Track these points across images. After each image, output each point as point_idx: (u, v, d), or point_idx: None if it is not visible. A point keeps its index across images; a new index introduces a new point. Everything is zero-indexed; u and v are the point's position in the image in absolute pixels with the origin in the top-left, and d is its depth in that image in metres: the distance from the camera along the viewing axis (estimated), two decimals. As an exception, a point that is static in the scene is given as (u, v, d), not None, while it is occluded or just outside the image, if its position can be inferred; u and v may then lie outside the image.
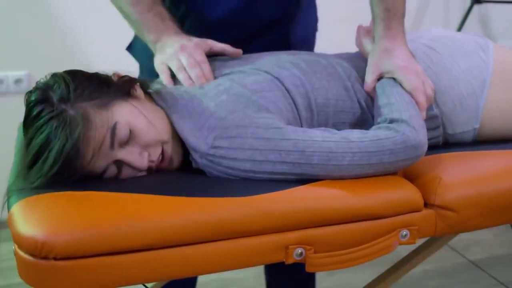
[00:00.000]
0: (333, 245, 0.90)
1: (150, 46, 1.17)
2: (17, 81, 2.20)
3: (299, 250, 0.88)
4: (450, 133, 1.15)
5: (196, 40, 1.15)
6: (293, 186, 0.92)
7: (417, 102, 1.04)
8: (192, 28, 1.22)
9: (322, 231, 0.90)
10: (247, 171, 0.94)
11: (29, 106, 0.92)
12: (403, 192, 0.96)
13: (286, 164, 0.93)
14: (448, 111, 1.13)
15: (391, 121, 0.98)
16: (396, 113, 0.99)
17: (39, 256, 0.77)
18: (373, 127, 0.99)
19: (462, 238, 2.16)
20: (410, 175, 1.01)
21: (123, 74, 1.01)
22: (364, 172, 0.95)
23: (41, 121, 0.89)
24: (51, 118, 0.89)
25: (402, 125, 0.97)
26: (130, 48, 1.37)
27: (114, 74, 1.01)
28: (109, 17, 2.03)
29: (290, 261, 0.88)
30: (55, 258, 0.76)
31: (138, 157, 0.96)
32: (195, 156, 0.97)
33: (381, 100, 1.04)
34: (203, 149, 0.95)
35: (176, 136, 1.01)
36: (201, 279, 1.63)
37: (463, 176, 1.01)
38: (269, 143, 0.93)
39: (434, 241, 1.08)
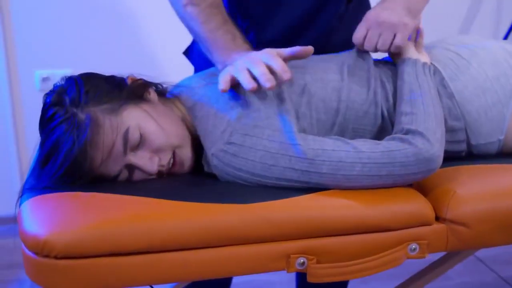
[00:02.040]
0: (337, 256, 0.89)
1: (218, 67, 1.04)
2: (63, 79, 2.26)
3: (301, 260, 0.87)
4: (474, 143, 1.10)
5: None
6: (298, 195, 0.91)
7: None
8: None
9: (326, 242, 0.88)
10: (255, 175, 0.94)
11: (44, 108, 0.96)
12: (413, 205, 0.93)
13: (295, 171, 0.92)
14: (472, 121, 1.09)
15: (407, 132, 0.96)
16: (414, 124, 0.96)
17: (41, 254, 0.79)
18: (387, 137, 0.97)
19: (507, 251, 2.09)
20: (424, 187, 0.98)
21: (138, 77, 1.03)
22: (374, 184, 0.93)
23: (53, 123, 0.93)
24: (61, 121, 0.92)
25: (417, 137, 0.94)
26: (187, 53, 1.36)
27: (128, 77, 1.02)
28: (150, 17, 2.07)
29: (291, 270, 0.88)
30: (56, 257, 0.79)
31: (148, 162, 0.97)
32: (208, 153, 0.97)
33: (405, 107, 1.00)
34: (218, 143, 0.95)
35: (189, 141, 1.01)
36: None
37: (479, 190, 0.97)
38: (281, 146, 0.92)
39: (452, 255, 1.05)
